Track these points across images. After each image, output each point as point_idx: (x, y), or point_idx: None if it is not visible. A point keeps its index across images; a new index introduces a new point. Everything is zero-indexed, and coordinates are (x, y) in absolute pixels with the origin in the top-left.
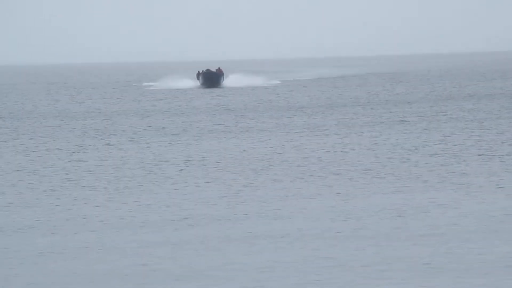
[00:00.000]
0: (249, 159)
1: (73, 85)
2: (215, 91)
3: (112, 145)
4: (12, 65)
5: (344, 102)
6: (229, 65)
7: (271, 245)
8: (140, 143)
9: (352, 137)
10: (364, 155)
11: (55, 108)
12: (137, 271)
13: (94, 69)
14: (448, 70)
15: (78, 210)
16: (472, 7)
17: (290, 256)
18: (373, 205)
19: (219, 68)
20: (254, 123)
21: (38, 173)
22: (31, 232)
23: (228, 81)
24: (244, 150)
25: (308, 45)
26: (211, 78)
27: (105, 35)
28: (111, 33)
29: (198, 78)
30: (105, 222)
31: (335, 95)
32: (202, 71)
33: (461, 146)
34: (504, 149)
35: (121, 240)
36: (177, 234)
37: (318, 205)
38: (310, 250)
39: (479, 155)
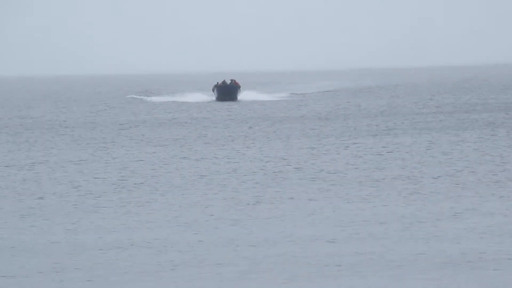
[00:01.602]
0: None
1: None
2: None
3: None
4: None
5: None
6: (233, 77)
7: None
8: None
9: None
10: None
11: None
12: None
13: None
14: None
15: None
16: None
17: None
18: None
19: (234, 80)
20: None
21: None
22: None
23: (244, 95)
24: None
25: (314, 58)
26: (228, 92)
27: (110, 46)
28: (119, 44)
29: (213, 91)
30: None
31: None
32: (218, 83)
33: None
34: None
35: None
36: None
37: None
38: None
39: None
